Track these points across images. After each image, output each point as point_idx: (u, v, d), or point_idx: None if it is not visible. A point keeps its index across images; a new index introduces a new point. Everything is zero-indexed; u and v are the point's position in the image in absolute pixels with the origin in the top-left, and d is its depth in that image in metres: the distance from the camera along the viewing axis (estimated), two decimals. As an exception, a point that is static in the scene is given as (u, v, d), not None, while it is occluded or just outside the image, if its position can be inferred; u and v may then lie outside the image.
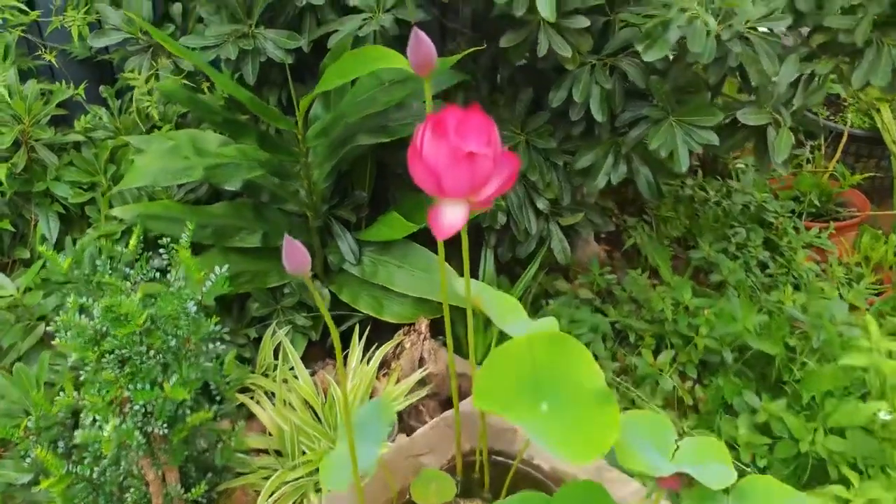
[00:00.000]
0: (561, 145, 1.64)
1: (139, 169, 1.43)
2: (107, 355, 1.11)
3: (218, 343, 1.16)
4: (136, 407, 1.08)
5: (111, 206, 1.58)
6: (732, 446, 1.66)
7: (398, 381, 1.58)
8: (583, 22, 1.32)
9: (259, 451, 1.55)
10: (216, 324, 1.16)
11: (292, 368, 1.61)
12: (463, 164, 0.74)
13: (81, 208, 1.66)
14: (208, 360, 1.16)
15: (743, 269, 2.04)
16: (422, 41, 0.80)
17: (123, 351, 1.09)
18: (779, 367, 1.77)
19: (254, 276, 1.64)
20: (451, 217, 0.77)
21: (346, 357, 1.61)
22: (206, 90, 1.68)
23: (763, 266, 2.12)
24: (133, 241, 1.29)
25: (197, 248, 1.63)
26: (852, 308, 1.98)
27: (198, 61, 1.31)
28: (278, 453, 1.53)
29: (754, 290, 2.03)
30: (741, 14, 1.33)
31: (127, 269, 1.29)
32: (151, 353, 1.10)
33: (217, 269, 1.18)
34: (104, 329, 1.14)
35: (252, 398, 1.58)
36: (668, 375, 1.75)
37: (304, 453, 1.49)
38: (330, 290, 1.71)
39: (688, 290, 1.82)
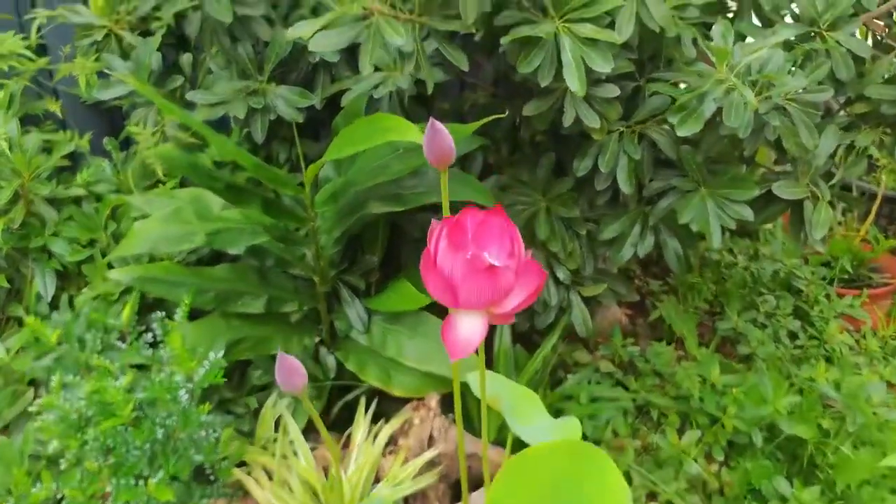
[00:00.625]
0: (584, 213, 1.55)
1: (138, 234, 1.35)
2: (90, 442, 1.02)
3: (210, 431, 1.07)
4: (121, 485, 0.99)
5: (110, 267, 1.50)
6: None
7: (406, 460, 1.49)
8: (612, 91, 1.24)
9: (255, 533, 1.46)
10: (209, 412, 1.07)
11: (293, 442, 1.51)
12: (482, 278, 0.66)
13: (79, 265, 1.59)
14: (199, 453, 1.07)
15: (772, 340, 1.94)
16: (438, 133, 0.72)
17: (108, 440, 1.00)
18: (811, 451, 1.66)
19: (256, 342, 1.56)
20: (468, 330, 0.69)
21: (350, 434, 1.52)
22: (213, 145, 1.61)
23: (793, 336, 2.01)
24: (126, 313, 1.21)
25: (197, 313, 1.55)
26: (890, 386, 1.87)
27: (197, 125, 1.24)
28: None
29: (783, 361, 1.92)
30: (780, 85, 1.25)
31: (119, 343, 1.20)
32: (138, 443, 1.01)
33: (212, 354, 1.09)
34: (89, 413, 1.05)
35: (249, 473, 1.49)
36: (692, 458, 1.64)
37: (302, 538, 1.39)
38: (336, 357, 1.62)
39: (715, 367, 1.71)
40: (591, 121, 1.25)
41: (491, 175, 1.63)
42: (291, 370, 0.68)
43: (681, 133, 1.21)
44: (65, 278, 1.62)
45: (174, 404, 1.02)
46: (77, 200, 1.62)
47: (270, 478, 1.50)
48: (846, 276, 2.24)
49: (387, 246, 1.65)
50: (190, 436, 1.02)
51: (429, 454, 1.46)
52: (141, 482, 0.98)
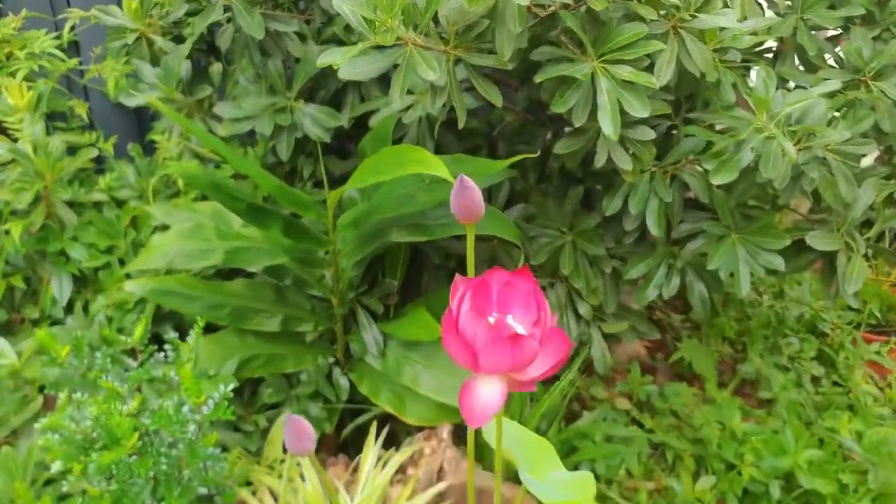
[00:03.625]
0: (610, 250, 1.52)
1: (156, 248, 1.34)
2: (94, 467, 1.00)
3: (216, 463, 1.05)
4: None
5: (127, 277, 1.49)
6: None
7: (414, 491, 1.46)
8: (647, 134, 1.21)
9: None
10: (215, 445, 1.04)
11: (300, 464, 1.49)
12: (505, 346, 0.63)
13: (96, 271, 1.58)
14: (204, 484, 1.04)
15: (794, 385, 1.90)
16: (468, 189, 0.69)
17: (112, 467, 0.98)
18: (829, 504, 1.62)
19: (269, 360, 1.53)
20: (487, 396, 0.66)
21: (359, 461, 1.49)
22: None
23: (815, 381, 1.97)
24: (139, 331, 1.19)
25: (211, 326, 1.54)
26: (914, 440, 1.82)
27: (219, 146, 1.22)
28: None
29: (804, 407, 1.87)
30: (820, 137, 1.21)
31: (130, 361, 1.19)
32: (141, 471, 0.99)
33: (221, 386, 1.07)
34: (94, 435, 1.03)
35: (254, 493, 1.47)
36: (706, 504, 1.60)
37: (304, 566, 1.37)
38: (349, 379, 1.59)
39: (736, 414, 1.67)
40: (624, 163, 1.21)
41: (517, 203, 1.60)
42: (300, 433, 0.65)
43: (715, 181, 1.18)
44: (81, 282, 1.60)
45: (181, 434, 1.00)
46: (98, 205, 1.61)
47: (276, 499, 1.48)
48: (874, 322, 2.19)
49: (407, 269, 1.63)
50: (195, 468, 1.00)
51: (437, 488, 1.44)
52: (144, 513, 0.97)
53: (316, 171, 1.65)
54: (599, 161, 1.21)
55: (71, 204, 1.57)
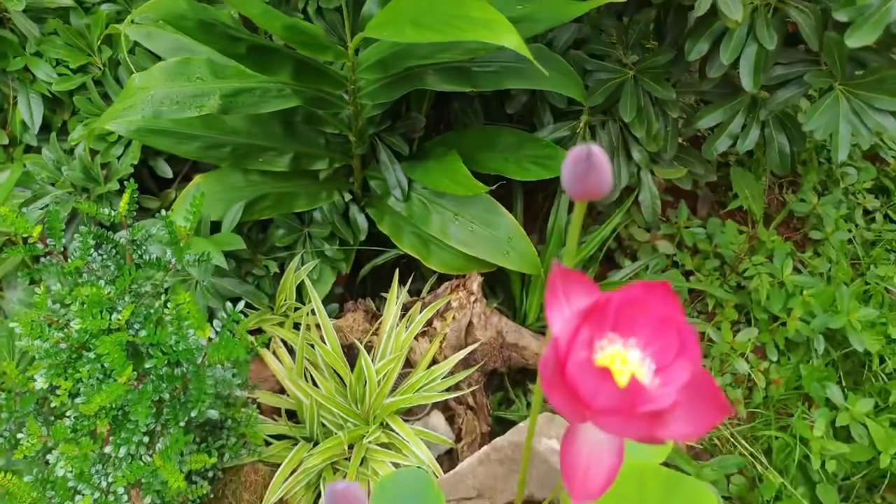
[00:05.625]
0: (676, 87, 1.28)
1: (137, 92, 1.09)
2: (84, 381, 0.86)
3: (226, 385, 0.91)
4: (122, 454, 0.85)
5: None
6: (804, 441, 1.46)
7: (441, 349, 1.35)
8: (767, -24, 0.93)
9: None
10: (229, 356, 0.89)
11: (314, 312, 1.36)
12: (640, 424, 0.45)
13: (71, 94, 1.34)
14: (212, 407, 0.91)
15: (845, 221, 1.74)
16: (596, 168, 0.47)
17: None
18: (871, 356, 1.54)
19: (278, 199, 1.35)
20: (596, 455, 0.49)
21: (380, 317, 1.37)
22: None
23: (868, 214, 1.81)
24: (123, 203, 0.99)
25: (209, 166, 1.34)
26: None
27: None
28: (291, 415, 1.34)
29: (852, 244, 1.73)
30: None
31: (117, 235, 1.00)
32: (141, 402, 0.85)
33: (229, 304, 0.89)
34: (82, 340, 0.88)
35: (267, 344, 1.36)
36: (741, 356, 1.51)
37: (323, 426, 1.30)
38: (367, 216, 1.42)
39: (788, 264, 1.53)
40: (733, 11, 0.95)
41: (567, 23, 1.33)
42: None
43: (851, 43, 0.93)
44: (54, 103, 1.37)
45: (188, 362, 0.85)
46: (62, 11, 1.33)
47: (289, 349, 1.37)
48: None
49: (435, 99, 1.39)
50: (202, 402, 0.85)
51: (468, 349, 1.33)
52: (146, 438, 0.84)
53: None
54: (701, 8, 0.95)
55: (29, 11, 1.29)
